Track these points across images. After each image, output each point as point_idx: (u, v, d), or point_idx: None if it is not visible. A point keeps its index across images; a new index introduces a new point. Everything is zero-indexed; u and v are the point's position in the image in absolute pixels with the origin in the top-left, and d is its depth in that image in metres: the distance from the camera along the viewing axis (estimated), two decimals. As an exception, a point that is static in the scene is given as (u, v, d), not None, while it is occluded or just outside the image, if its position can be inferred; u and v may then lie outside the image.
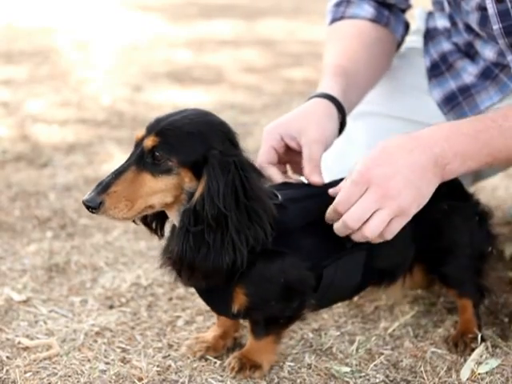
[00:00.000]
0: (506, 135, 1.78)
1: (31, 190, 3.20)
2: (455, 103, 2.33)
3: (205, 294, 1.89)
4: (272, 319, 1.88)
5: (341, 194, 1.75)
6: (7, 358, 2.01)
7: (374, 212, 1.73)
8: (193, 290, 2.36)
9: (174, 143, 1.70)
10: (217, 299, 1.87)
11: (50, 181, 3.31)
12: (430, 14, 2.52)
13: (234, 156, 1.71)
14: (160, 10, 8.10)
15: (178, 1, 8.79)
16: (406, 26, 2.40)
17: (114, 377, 1.92)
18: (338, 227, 1.78)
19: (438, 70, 2.39)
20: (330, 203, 1.81)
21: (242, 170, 1.70)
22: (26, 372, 1.94)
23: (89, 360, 2.00)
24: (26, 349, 2.05)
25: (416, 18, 2.56)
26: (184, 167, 1.70)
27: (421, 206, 1.77)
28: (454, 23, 2.33)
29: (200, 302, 2.30)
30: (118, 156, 3.61)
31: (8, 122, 4.14)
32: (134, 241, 2.76)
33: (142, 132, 1.76)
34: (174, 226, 1.83)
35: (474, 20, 2.14)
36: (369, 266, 1.93)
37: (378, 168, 1.72)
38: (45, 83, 4.98)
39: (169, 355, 2.03)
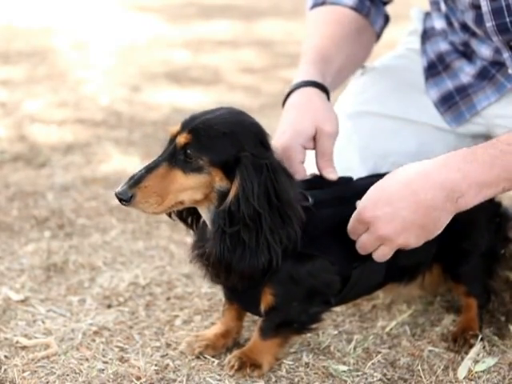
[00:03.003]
0: None
1: (29, 189, 3.20)
2: (452, 103, 2.33)
3: (234, 292, 1.91)
4: (286, 322, 1.89)
5: (349, 224, 1.84)
6: (5, 357, 2.01)
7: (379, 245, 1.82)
8: (191, 289, 2.37)
9: (206, 142, 1.72)
10: (246, 298, 1.89)
11: (47, 181, 3.31)
12: (427, 15, 2.52)
13: (265, 158, 1.73)
14: (158, 11, 8.10)
15: (176, 1, 8.78)
16: (386, 19, 2.39)
17: (112, 376, 1.92)
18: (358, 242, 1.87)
19: (435, 69, 2.39)
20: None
21: (273, 173, 1.72)
22: (24, 371, 1.94)
23: (87, 359, 2.00)
24: (24, 348, 2.06)
25: (413, 18, 2.56)
26: (215, 166, 1.72)
27: (431, 238, 1.80)
28: (450, 23, 2.34)
29: (198, 302, 2.31)
30: (116, 156, 3.61)
31: (6, 122, 4.14)
32: (132, 241, 2.76)
33: (176, 127, 1.77)
34: (204, 223, 1.85)
35: (469, 18, 2.14)
36: (391, 264, 1.93)
37: (375, 210, 1.77)
38: (43, 83, 4.98)
39: (167, 354, 2.03)
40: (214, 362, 1.99)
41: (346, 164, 2.29)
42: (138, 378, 1.91)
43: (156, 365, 1.98)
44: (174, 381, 1.92)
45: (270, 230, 1.71)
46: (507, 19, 1.98)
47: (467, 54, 2.32)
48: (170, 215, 1.90)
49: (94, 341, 2.09)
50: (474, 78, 2.30)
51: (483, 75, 2.27)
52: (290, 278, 1.81)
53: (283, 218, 1.72)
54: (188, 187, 1.73)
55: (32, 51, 5.92)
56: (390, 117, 2.40)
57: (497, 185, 1.74)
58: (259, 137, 1.78)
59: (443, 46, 2.39)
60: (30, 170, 3.44)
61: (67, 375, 1.93)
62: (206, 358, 2.00)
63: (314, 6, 2.34)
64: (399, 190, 1.76)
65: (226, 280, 1.79)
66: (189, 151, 1.72)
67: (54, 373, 1.94)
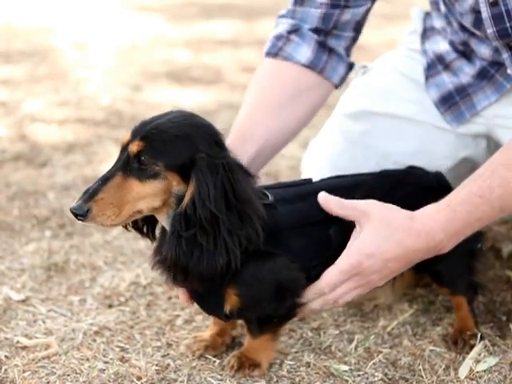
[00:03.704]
0: (494, 205, 1.85)
1: (30, 189, 3.20)
2: (452, 103, 2.32)
3: (196, 295, 1.89)
4: (265, 318, 1.88)
5: (328, 279, 1.83)
6: (6, 357, 2.01)
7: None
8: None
9: (160, 147, 1.70)
10: (208, 300, 1.87)
11: (48, 180, 3.31)
12: (427, 14, 2.52)
13: (221, 158, 1.71)
14: (159, 10, 8.09)
15: (176, 1, 8.77)
16: (350, 67, 2.28)
17: (112, 376, 1.92)
18: (316, 303, 1.88)
19: (434, 69, 2.38)
20: (319, 205, 1.86)
21: (230, 172, 1.70)
22: (24, 371, 1.94)
23: (88, 359, 2.00)
24: (24, 348, 2.05)
25: (413, 18, 2.55)
26: (171, 171, 1.70)
27: None
28: (449, 22, 2.33)
29: (199, 301, 2.30)
30: (117, 156, 3.60)
31: (7, 121, 4.14)
32: (133, 240, 2.75)
33: (127, 136, 1.75)
34: (163, 229, 1.82)
35: (468, 21, 2.13)
36: None
37: (368, 262, 1.81)
38: (43, 83, 4.98)
39: (168, 354, 2.03)
40: (215, 361, 1.98)
41: (348, 163, 2.29)
42: (139, 378, 1.91)
43: (157, 365, 1.98)
44: (175, 381, 1.91)
45: (228, 231, 1.68)
46: (507, 24, 1.96)
47: (466, 53, 2.31)
48: (125, 226, 1.86)
49: (94, 341, 2.09)
50: (474, 77, 2.29)
51: (482, 75, 2.27)
52: (253, 277, 1.79)
53: (242, 218, 1.70)
54: (145, 195, 1.70)
55: (33, 51, 5.92)
56: (392, 116, 2.39)
57: (471, 231, 1.90)
58: (213, 137, 1.75)
59: (443, 46, 2.39)
60: (31, 170, 3.44)
61: (68, 375, 1.93)
62: (206, 357, 2.00)
63: (268, 54, 2.23)
64: (393, 246, 1.83)
65: (184, 283, 1.78)
66: (143, 158, 1.69)
67: (55, 373, 1.94)
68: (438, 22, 2.41)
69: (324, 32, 2.19)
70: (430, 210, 1.85)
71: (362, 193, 1.93)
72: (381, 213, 1.83)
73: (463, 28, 2.23)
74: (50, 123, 4.11)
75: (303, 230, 1.84)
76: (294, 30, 2.19)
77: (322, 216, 1.86)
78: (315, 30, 2.19)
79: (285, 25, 2.22)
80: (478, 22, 2.06)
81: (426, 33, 2.46)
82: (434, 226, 1.83)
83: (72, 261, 2.57)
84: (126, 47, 6.20)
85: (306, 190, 1.92)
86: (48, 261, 2.56)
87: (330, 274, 1.82)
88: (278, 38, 2.21)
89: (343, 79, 2.29)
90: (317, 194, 1.88)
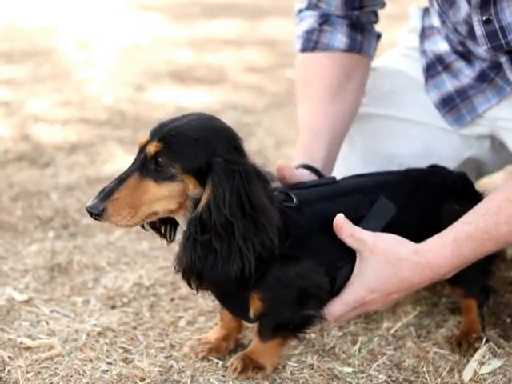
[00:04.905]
0: (499, 241, 1.88)
1: (33, 189, 3.20)
2: (452, 105, 2.31)
3: (222, 299, 1.89)
4: (282, 324, 1.87)
5: (333, 312, 1.88)
6: (9, 358, 2.01)
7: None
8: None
9: (178, 149, 1.69)
10: (234, 304, 1.87)
11: (51, 181, 3.31)
12: (425, 11, 2.49)
13: (238, 164, 1.70)
14: (162, 10, 8.09)
15: (180, 0, 8.78)
16: (378, 38, 2.34)
17: (115, 377, 1.92)
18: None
19: (434, 70, 2.37)
20: (344, 206, 1.87)
21: (246, 179, 1.68)
22: (27, 372, 1.94)
23: (91, 360, 2.00)
24: (27, 349, 2.05)
25: (411, 15, 2.54)
26: (188, 174, 1.69)
27: None
28: (443, 22, 2.31)
29: (202, 303, 2.30)
30: (120, 156, 3.60)
31: (9, 121, 4.14)
32: (137, 241, 2.75)
33: (145, 137, 1.74)
34: (184, 232, 1.81)
35: (462, 30, 2.11)
36: None
37: (371, 296, 1.86)
38: (46, 83, 4.98)
39: (171, 355, 2.03)
40: (218, 363, 1.98)
41: (351, 167, 2.29)
42: (142, 380, 1.91)
43: (160, 366, 1.97)
44: (178, 382, 1.91)
45: (243, 237, 1.67)
46: (502, 41, 1.94)
47: (466, 55, 2.29)
48: (142, 225, 1.85)
49: (97, 342, 2.09)
50: (474, 80, 2.27)
51: (482, 78, 2.25)
52: (279, 281, 1.78)
53: (257, 226, 1.69)
54: (161, 197, 1.69)
55: (35, 51, 5.92)
56: (394, 118, 2.38)
57: (473, 261, 1.92)
58: (232, 142, 1.74)
59: (442, 46, 2.37)
60: (34, 170, 3.43)
61: (71, 376, 1.93)
62: (210, 359, 1.99)
63: (305, 49, 2.28)
64: (399, 283, 1.86)
65: (199, 288, 1.77)
66: (160, 160, 1.68)
67: (58, 374, 1.94)
68: (436, 20, 2.39)
69: (350, 15, 2.24)
70: (435, 245, 1.86)
71: (387, 193, 1.94)
72: (386, 249, 1.83)
73: (458, 31, 2.20)
74: (53, 123, 4.11)
75: (328, 231, 1.84)
76: (325, 21, 2.24)
77: (347, 217, 1.86)
78: (343, 17, 2.24)
79: (312, 17, 2.27)
80: (472, 32, 2.03)
81: (425, 32, 2.44)
82: (439, 262, 1.85)
83: (75, 261, 2.57)
84: (128, 47, 6.20)
85: (331, 191, 1.92)
86: (51, 261, 2.56)
87: (335, 308, 1.87)
88: (310, 32, 2.26)
89: (375, 50, 2.35)
90: (341, 194, 1.90)
